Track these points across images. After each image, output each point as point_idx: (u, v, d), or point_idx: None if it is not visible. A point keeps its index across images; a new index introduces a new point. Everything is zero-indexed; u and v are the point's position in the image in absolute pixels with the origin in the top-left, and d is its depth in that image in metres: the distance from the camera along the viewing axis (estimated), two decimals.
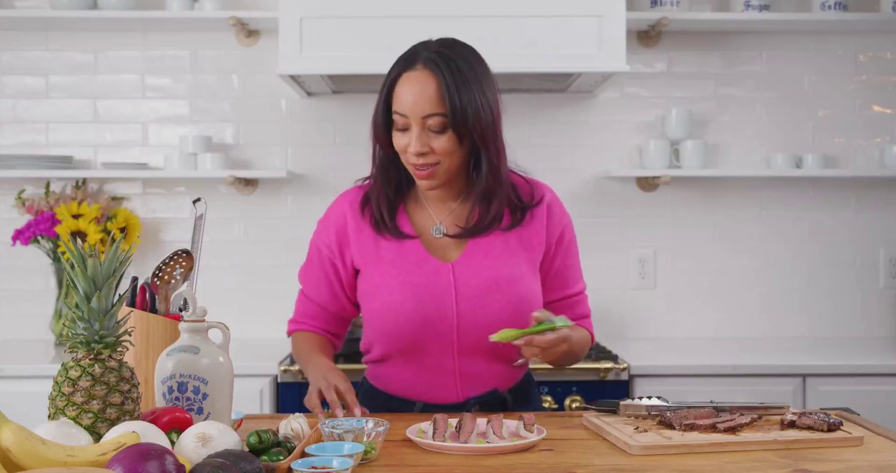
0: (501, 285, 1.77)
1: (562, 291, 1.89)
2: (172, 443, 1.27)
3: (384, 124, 1.77)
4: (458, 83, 1.71)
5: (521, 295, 1.78)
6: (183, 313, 1.49)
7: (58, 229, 3.01)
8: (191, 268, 1.62)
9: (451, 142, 1.73)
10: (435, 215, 1.86)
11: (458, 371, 1.81)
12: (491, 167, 1.77)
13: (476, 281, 1.78)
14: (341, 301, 1.91)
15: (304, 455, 1.34)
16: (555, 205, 1.88)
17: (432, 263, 1.80)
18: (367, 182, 1.89)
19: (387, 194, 1.83)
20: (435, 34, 1.81)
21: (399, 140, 1.76)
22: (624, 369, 2.68)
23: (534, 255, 1.84)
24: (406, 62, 1.75)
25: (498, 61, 2.87)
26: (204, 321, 1.46)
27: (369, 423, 1.47)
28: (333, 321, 1.94)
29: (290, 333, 1.98)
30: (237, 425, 1.55)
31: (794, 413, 1.59)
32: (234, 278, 3.28)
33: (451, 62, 1.73)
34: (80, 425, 1.28)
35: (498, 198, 1.80)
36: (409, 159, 1.75)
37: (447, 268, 1.80)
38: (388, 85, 1.76)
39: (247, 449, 1.32)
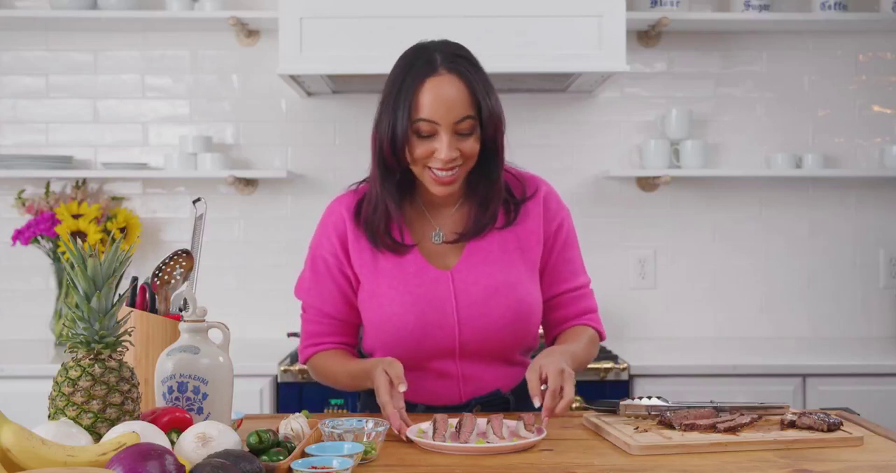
0: (501, 291, 1.76)
1: (563, 285, 1.85)
2: (172, 443, 1.27)
3: (403, 134, 1.68)
4: (484, 85, 1.70)
5: (521, 300, 1.77)
6: (183, 313, 1.49)
7: (58, 229, 3.01)
8: (191, 268, 1.62)
9: (476, 143, 1.71)
10: (434, 222, 1.83)
11: (460, 375, 1.80)
12: (500, 170, 1.77)
13: (475, 288, 1.76)
14: (356, 309, 1.85)
15: (304, 455, 1.34)
16: (550, 198, 1.85)
17: (431, 272, 1.78)
18: (361, 186, 1.86)
19: (389, 208, 1.76)
20: (435, 34, 1.79)
21: (421, 148, 1.68)
22: (624, 369, 2.68)
23: (532, 255, 1.82)
24: (426, 66, 1.68)
25: (498, 61, 2.87)
26: (204, 321, 1.46)
27: (369, 423, 1.47)
28: (352, 332, 1.87)
29: (307, 359, 1.86)
30: (237, 425, 1.55)
31: (794, 413, 1.59)
32: (234, 278, 3.28)
33: (472, 65, 1.71)
34: (80, 425, 1.28)
35: (495, 201, 1.79)
36: (434, 166, 1.69)
37: (446, 276, 1.78)
38: (412, 91, 1.66)
39: (247, 449, 1.32)
